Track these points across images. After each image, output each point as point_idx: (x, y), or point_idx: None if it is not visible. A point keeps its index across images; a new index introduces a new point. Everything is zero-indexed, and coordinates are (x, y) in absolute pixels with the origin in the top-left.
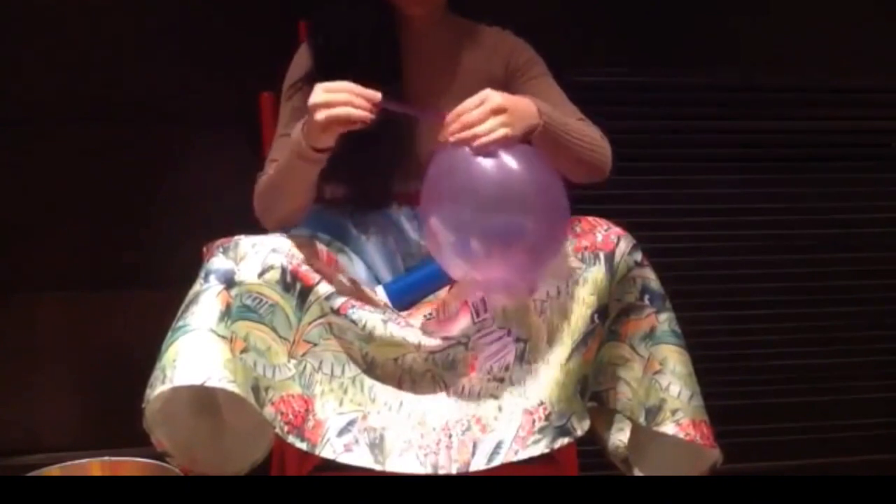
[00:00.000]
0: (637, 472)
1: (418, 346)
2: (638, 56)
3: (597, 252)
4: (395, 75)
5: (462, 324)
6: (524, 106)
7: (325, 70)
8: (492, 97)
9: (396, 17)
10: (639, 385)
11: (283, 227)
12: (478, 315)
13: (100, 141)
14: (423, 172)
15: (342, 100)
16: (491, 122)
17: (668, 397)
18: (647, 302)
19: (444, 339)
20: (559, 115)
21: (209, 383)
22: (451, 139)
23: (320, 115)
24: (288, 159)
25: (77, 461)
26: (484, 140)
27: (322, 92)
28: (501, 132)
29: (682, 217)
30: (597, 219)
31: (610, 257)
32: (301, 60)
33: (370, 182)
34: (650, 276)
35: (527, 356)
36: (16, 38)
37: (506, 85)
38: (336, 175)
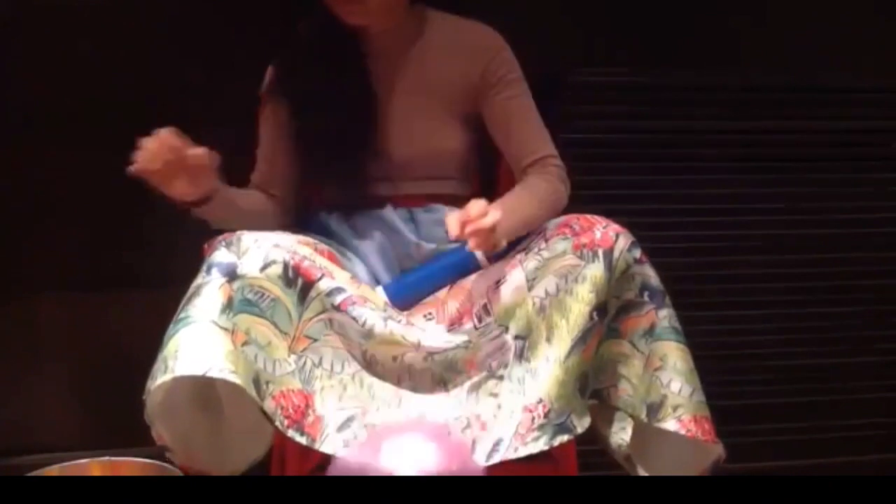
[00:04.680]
0: (640, 470)
1: (418, 346)
2: (638, 56)
3: (595, 249)
4: (365, 92)
5: (464, 330)
6: (503, 222)
7: (301, 111)
8: (492, 212)
9: (360, 34)
10: (640, 382)
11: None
12: (480, 321)
13: (100, 141)
14: (401, 174)
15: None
16: (493, 239)
17: (669, 393)
18: (646, 298)
19: (445, 342)
20: (518, 216)
21: (210, 374)
22: (470, 243)
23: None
24: None
25: (77, 461)
26: (487, 246)
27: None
28: (499, 246)
29: (682, 217)
30: (595, 216)
31: (608, 254)
32: (269, 76)
33: (342, 185)
34: (649, 273)
35: (526, 354)
36: (15, 40)
37: (479, 91)
38: (311, 178)
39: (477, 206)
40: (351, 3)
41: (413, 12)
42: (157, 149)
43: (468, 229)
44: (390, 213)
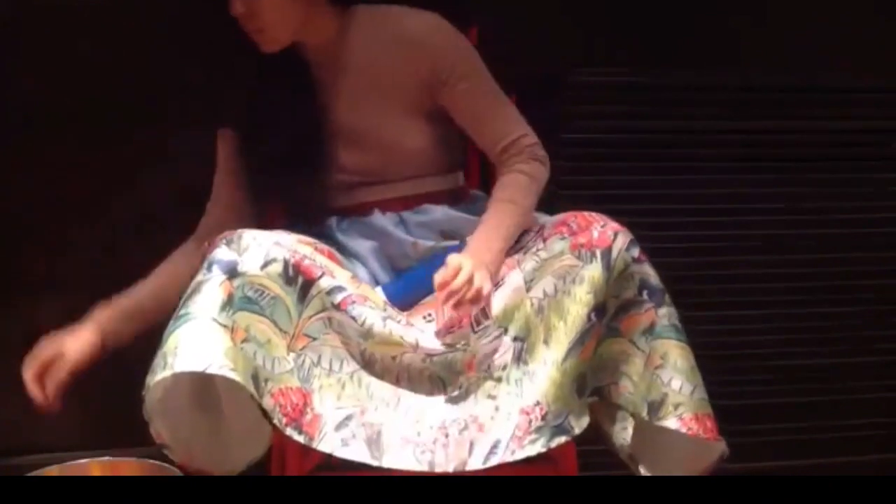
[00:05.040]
0: (643, 469)
1: (416, 347)
2: (638, 56)
3: (593, 249)
4: (311, 105)
5: (462, 333)
6: (484, 258)
7: (248, 133)
8: (464, 266)
9: (301, 51)
10: (640, 379)
11: None
12: (478, 324)
13: (100, 141)
14: (376, 179)
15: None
16: (473, 291)
17: (669, 392)
18: (645, 297)
19: (443, 345)
20: (501, 237)
21: (210, 370)
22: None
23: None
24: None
25: (77, 461)
26: (471, 301)
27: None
28: (484, 291)
29: (682, 217)
30: (592, 214)
31: (606, 254)
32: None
33: (299, 200)
34: (648, 272)
35: (524, 356)
36: (15, 40)
37: (433, 87)
38: (268, 196)
39: (451, 265)
40: (254, 35)
41: (346, 16)
42: (33, 384)
43: (451, 303)
44: (379, 219)
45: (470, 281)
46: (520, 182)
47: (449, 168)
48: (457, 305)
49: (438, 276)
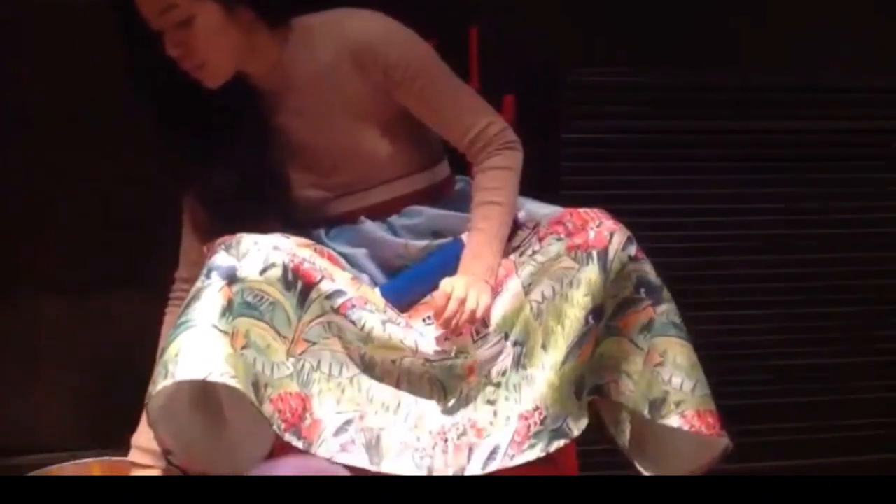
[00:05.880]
0: (647, 467)
1: (415, 350)
2: (638, 56)
3: (590, 251)
4: (259, 146)
5: (461, 341)
6: (478, 272)
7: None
8: (456, 289)
9: (249, 82)
10: (640, 377)
11: None
12: (478, 333)
13: (100, 141)
14: (353, 188)
15: None
16: (466, 314)
17: (670, 389)
18: (643, 295)
19: (443, 352)
20: (495, 235)
21: (211, 378)
22: (449, 334)
23: None
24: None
25: (77, 461)
26: (467, 322)
27: None
28: (480, 311)
29: (682, 217)
30: (588, 211)
31: (603, 255)
32: None
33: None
34: (646, 269)
35: (522, 360)
36: (15, 40)
37: (388, 90)
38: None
39: (443, 290)
40: (195, 72)
41: (287, 35)
42: None
43: (452, 327)
44: (367, 225)
45: (462, 302)
46: (497, 178)
47: (428, 163)
48: (453, 330)
49: (433, 303)
